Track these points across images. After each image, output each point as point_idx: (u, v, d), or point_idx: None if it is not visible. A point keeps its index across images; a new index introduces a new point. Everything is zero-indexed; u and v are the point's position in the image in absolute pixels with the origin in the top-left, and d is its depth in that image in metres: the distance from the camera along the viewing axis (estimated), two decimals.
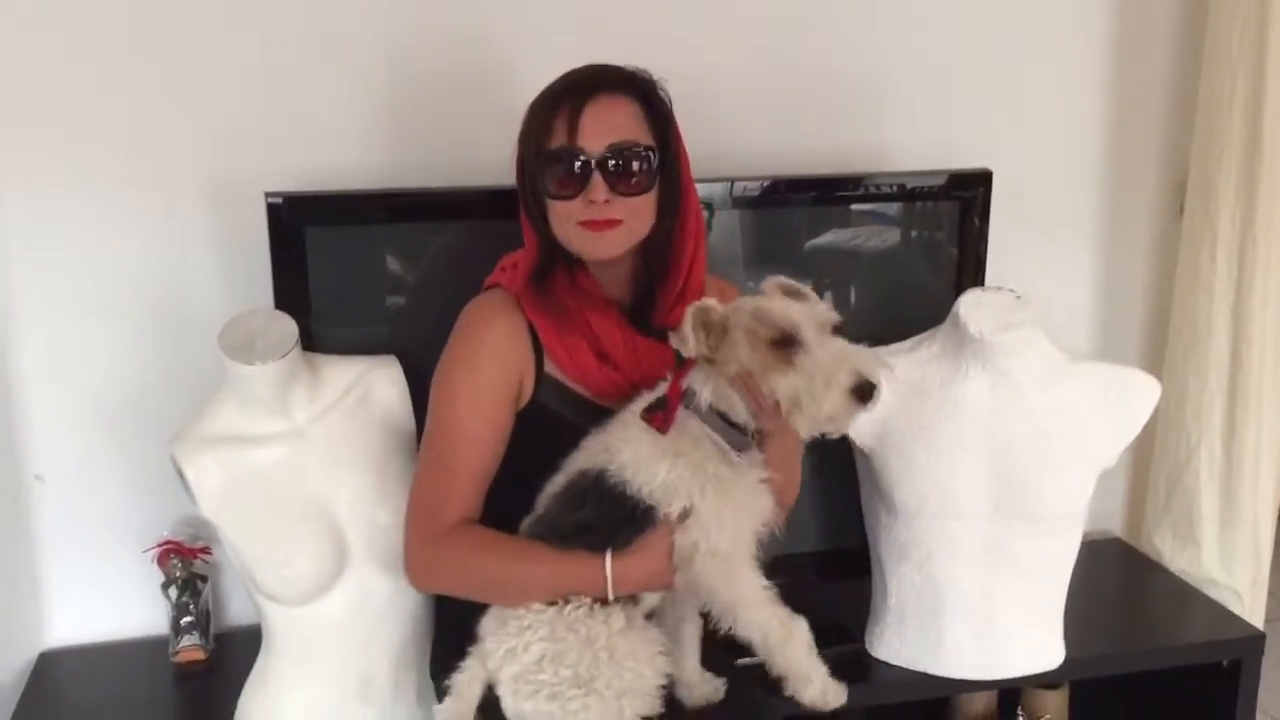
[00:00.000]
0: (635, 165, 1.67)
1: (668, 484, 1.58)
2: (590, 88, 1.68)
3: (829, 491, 2.24)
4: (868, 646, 2.16)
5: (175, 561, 2.15)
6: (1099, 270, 2.62)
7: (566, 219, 1.69)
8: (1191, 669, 2.29)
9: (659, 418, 1.58)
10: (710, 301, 1.55)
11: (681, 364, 1.61)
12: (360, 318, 2.07)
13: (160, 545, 2.15)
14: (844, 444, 2.11)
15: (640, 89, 1.72)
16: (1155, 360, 2.59)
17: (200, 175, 2.11)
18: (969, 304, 2.00)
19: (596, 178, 1.65)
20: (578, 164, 1.66)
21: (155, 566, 2.16)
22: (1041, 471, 2.01)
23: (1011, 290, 2.03)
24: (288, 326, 1.84)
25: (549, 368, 1.73)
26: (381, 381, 1.95)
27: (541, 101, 1.70)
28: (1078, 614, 2.16)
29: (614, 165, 1.66)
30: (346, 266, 2.03)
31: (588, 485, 1.61)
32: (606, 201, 1.66)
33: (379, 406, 1.94)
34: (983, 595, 2.06)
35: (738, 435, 1.60)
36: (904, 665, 2.11)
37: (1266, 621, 2.53)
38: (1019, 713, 2.33)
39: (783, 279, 1.63)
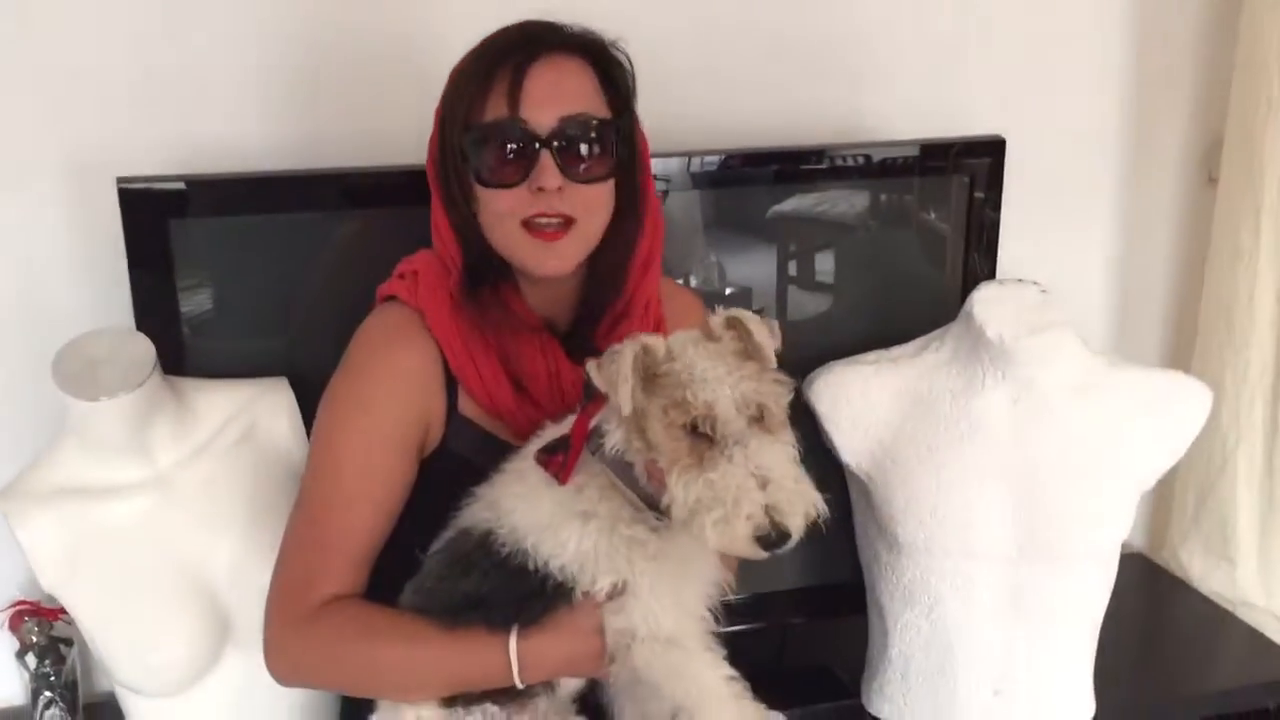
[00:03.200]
0: (593, 143, 1.41)
1: (583, 554, 1.29)
2: (535, 48, 1.41)
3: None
4: (865, 702, 1.95)
5: (31, 625, 1.90)
6: (1115, 250, 2.41)
7: (507, 215, 1.42)
8: (1234, 715, 2.06)
9: (556, 461, 1.29)
10: (655, 338, 1.23)
11: (591, 397, 1.29)
12: (244, 330, 1.80)
13: (12, 607, 1.90)
14: (835, 464, 1.87)
15: (594, 52, 1.45)
16: (1183, 353, 2.40)
17: (52, 154, 1.84)
18: (984, 301, 1.76)
19: (545, 158, 1.39)
20: (522, 141, 1.39)
21: (7, 632, 1.91)
22: (1073, 500, 1.77)
23: (1035, 283, 1.78)
24: (141, 348, 1.57)
25: (463, 405, 1.49)
26: (269, 411, 1.70)
27: (472, 65, 1.43)
28: (1099, 647, 1.92)
29: (566, 143, 1.39)
30: (225, 267, 1.76)
31: (471, 549, 1.35)
32: (559, 189, 1.39)
33: (266, 442, 1.69)
34: (1003, 646, 1.83)
35: (647, 497, 1.30)
36: None
37: None
38: None
39: (742, 315, 1.25)
